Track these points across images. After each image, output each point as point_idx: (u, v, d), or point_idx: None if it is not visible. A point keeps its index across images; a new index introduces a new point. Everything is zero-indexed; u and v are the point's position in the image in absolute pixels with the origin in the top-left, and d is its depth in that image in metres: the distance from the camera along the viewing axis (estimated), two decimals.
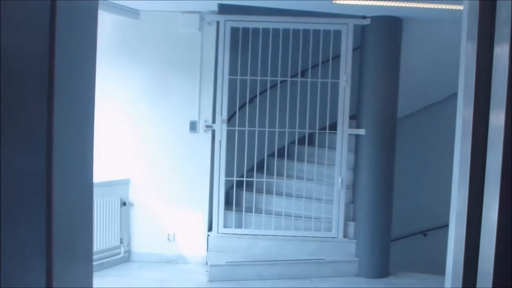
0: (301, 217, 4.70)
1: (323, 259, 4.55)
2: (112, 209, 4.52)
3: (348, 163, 4.65)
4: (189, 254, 4.74)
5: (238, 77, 4.57)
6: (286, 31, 4.54)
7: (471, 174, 1.00)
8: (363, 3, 3.99)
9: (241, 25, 4.52)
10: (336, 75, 4.55)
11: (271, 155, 4.96)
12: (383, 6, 4.06)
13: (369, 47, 4.51)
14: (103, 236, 4.45)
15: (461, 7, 1.26)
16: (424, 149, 5.80)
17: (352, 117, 4.65)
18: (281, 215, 4.70)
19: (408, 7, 4.02)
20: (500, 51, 0.91)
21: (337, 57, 4.57)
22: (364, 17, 4.45)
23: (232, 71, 4.55)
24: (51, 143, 0.78)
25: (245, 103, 4.73)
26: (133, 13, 4.51)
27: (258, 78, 4.61)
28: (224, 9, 4.49)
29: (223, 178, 4.62)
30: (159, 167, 4.72)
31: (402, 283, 4.43)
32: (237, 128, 4.66)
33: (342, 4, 4.04)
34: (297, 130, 4.69)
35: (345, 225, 4.65)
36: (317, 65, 4.66)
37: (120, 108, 4.69)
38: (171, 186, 4.71)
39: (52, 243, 0.79)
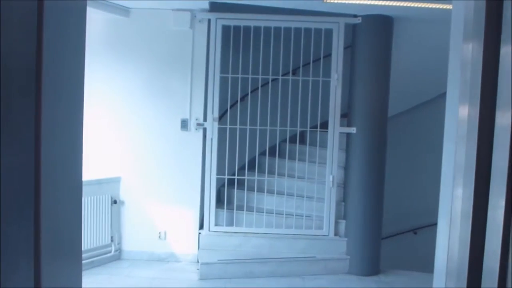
0: (292, 215, 4.71)
1: (314, 257, 4.57)
2: (102, 207, 4.50)
3: (339, 162, 4.67)
4: (180, 252, 4.74)
5: (230, 75, 4.57)
6: (277, 29, 4.54)
7: (477, 173, 1.00)
8: (354, 2, 4.00)
9: (232, 23, 4.51)
10: (327, 73, 4.56)
11: (263, 153, 4.97)
12: (374, 5, 4.08)
13: (360, 45, 4.53)
14: (93, 234, 4.43)
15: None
16: (415, 147, 5.85)
17: (343, 115, 4.67)
18: (273, 213, 4.71)
19: (399, 6, 4.04)
20: (506, 51, 0.92)
21: (328, 55, 4.59)
22: (355, 16, 4.47)
23: (224, 69, 4.55)
24: (39, 142, 0.78)
25: (237, 101, 4.73)
26: (124, 11, 4.49)
27: (250, 76, 4.61)
28: (215, 7, 4.48)
29: (214, 176, 4.62)
30: (150, 165, 4.70)
31: (393, 281, 4.46)
32: (228, 126, 4.65)
33: (333, 3, 4.06)
34: (288, 128, 4.70)
35: (336, 223, 4.67)
36: (309, 63, 4.67)
37: (111, 106, 4.67)
38: (162, 184, 4.70)
39: (40, 242, 0.79)
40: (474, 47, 1.04)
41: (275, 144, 4.99)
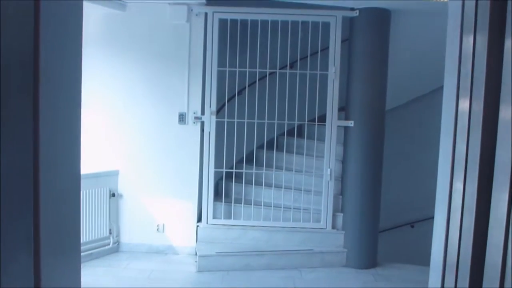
0: (290, 208, 4.73)
1: (311, 249, 4.60)
2: (101, 200, 4.53)
3: (337, 155, 4.69)
4: (178, 244, 4.76)
5: (227, 69, 4.57)
6: (274, 22, 4.54)
7: (480, 166, 1.01)
8: None
9: (229, 16, 4.51)
10: (325, 67, 4.56)
11: (260, 147, 4.97)
12: None
13: (357, 39, 4.52)
14: (92, 227, 4.45)
15: None
16: (412, 141, 5.85)
17: (341, 109, 4.67)
18: (270, 206, 4.73)
19: None
20: (510, 45, 0.92)
21: (326, 49, 4.59)
22: (352, 9, 4.46)
23: (221, 62, 4.55)
24: (37, 135, 0.79)
25: (234, 95, 4.73)
26: (120, 5, 4.48)
27: (247, 70, 4.61)
28: (212, 1, 4.48)
29: (212, 170, 4.63)
30: (148, 158, 4.72)
31: (390, 274, 4.49)
32: (226, 119, 4.66)
33: None
34: (286, 122, 4.71)
35: (334, 216, 4.69)
36: (306, 57, 4.67)
37: (108, 100, 4.68)
38: (160, 177, 4.72)
39: (39, 235, 0.80)
40: (477, 40, 1.04)
41: (273, 138, 4.99)
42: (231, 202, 4.76)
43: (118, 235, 4.75)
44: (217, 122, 4.61)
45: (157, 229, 4.76)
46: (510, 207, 0.89)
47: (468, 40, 1.08)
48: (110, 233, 4.65)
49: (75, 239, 1.05)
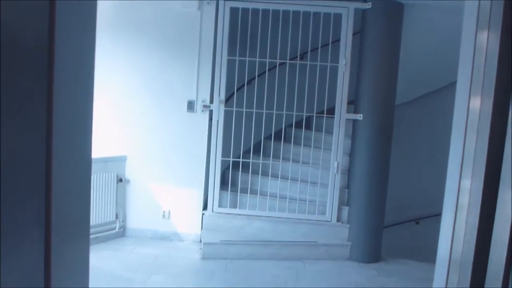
0: (296, 199, 4.74)
1: (315, 241, 4.61)
2: (108, 185, 4.57)
3: (345, 148, 4.67)
4: (184, 231, 4.81)
5: (237, 58, 4.56)
6: (286, 12, 4.51)
7: (487, 164, 1.00)
8: None
9: (240, 5, 4.49)
10: (335, 59, 4.53)
11: (268, 138, 4.97)
12: None
13: (369, 31, 4.48)
14: (99, 211, 4.50)
15: None
16: (421, 137, 5.81)
17: (350, 102, 4.65)
18: (276, 197, 4.74)
19: None
20: None
21: (337, 41, 4.55)
22: (365, 1, 4.42)
23: (231, 51, 4.54)
24: (51, 118, 0.80)
25: (243, 85, 4.73)
26: None
27: (257, 59, 4.59)
28: None
29: (219, 158, 4.65)
30: (156, 145, 4.74)
31: (393, 269, 4.49)
32: (234, 109, 4.67)
33: None
34: (294, 113, 4.70)
35: (339, 209, 4.69)
36: (317, 48, 4.64)
37: (118, 86, 4.69)
38: (168, 164, 4.75)
39: (50, 218, 0.81)
40: (490, 36, 1.02)
41: (281, 129, 4.99)
42: (237, 192, 4.77)
43: (124, 220, 4.80)
44: (225, 111, 4.62)
45: (163, 216, 4.80)
46: None
47: (482, 38, 1.06)
48: (116, 217, 4.70)
49: (85, 222, 1.07)
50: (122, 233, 4.78)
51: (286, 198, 4.75)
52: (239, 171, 4.87)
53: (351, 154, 4.71)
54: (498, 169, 0.97)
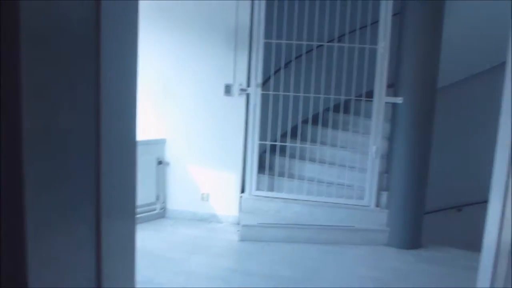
0: (333, 184, 4.71)
1: (353, 226, 4.58)
2: (149, 168, 4.70)
3: (384, 132, 4.58)
4: (222, 213, 4.90)
5: (274, 41, 4.53)
6: None
7: None
8: None
9: None
10: (374, 41, 4.42)
11: (305, 122, 4.95)
12: None
13: (409, 12, 4.32)
14: (140, 193, 4.56)
15: None
16: (465, 121, 5.60)
17: (389, 85, 4.53)
18: (313, 180, 4.73)
19: None
20: None
21: (376, 22, 4.43)
22: None
23: (268, 34, 4.51)
24: (99, 101, 0.83)
25: (280, 68, 4.70)
26: None
27: (294, 42, 4.55)
28: None
29: (256, 142, 4.67)
30: (194, 128, 4.82)
31: (433, 256, 4.39)
32: (271, 92, 4.66)
33: None
34: (332, 96, 4.64)
35: (378, 195, 4.63)
36: (355, 30, 4.54)
37: (158, 69, 4.78)
38: (206, 147, 4.83)
39: (100, 198, 0.86)
40: None
41: (318, 113, 4.94)
42: (274, 175, 4.80)
43: (164, 202, 4.94)
44: (262, 95, 4.62)
45: (202, 198, 4.90)
46: None
47: None
48: (157, 199, 4.84)
49: (131, 202, 1.11)
50: (162, 214, 4.93)
51: (324, 182, 4.73)
52: (276, 154, 4.88)
53: (391, 138, 4.62)
54: None
